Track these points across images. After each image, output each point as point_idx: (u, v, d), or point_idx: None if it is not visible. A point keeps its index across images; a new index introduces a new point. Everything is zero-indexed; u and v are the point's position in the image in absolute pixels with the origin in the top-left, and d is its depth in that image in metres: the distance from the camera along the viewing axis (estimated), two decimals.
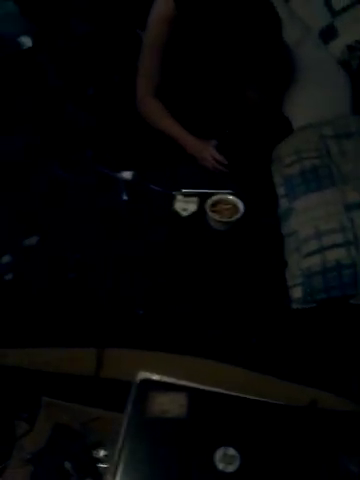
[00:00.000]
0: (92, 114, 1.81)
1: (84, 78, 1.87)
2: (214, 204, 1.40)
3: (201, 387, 1.06)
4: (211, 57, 1.51)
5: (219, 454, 0.93)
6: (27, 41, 1.78)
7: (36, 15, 1.81)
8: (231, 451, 0.93)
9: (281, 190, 1.41)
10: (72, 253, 1.35)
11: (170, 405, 1.01)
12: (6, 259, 1.34)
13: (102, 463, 1.20)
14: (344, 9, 1.71)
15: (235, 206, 1.39)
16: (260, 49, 1.43)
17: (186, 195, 1.44)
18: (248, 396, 1.03)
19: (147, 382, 1.06)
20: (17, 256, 1.35)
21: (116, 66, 1.89)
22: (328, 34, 1.70)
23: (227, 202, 1.40)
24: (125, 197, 1.46)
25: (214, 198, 1.40)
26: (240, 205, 1.38)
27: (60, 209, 1.44)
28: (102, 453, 1.24)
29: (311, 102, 1.60)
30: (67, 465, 1.17)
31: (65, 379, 1.33)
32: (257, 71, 1.51)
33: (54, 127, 1.70)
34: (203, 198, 1.43)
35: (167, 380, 1.08)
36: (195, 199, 1.44)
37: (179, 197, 1.44)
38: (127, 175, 1.53)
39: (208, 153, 1.55)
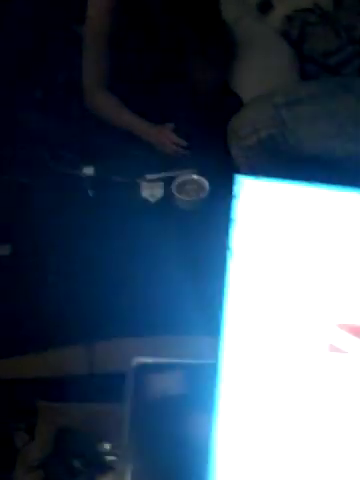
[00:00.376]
0: (43, 116, 1.79)
1: (30, 81, 1.84)
2: (180, 186, 1.41)
3: (196, 362, 1.08)
4: (156, 39, 1.51)
5: None
6: None
7: None
8: None
9: (241, 162, 1.43)
10: (48, 257, 1.34)
11: (168, 379, 1.03)
12: None
13: (109, 455, 1.21)
14: None
15: (200, 185, 1.41)
16: (202, 23, 1.44)
17: (150, 181, 1.45)
18: None
19: (143, 366, 1.08)
20: None
21: (58, 65, 1.87)
22: (265, 6, 1.74)
23: (192, 182, 1.42)
24: (91, 193, 1.46)
25: (179, 179, 1.41)
26: (205, 183, 1.40)
27: (28, 215, 1.43)
28: (107, 446, 1.24)
29: (259, 74, 1.63)
30: (76, 463, 1.18)
31: (58, 381, 1.33)
32: (201, 48, 1.52)
33: (5, 134, 1.68)
34: (168, 182, 1.45)
35: (163, 361, 1.09)
36: (160, 184, 1.45)
37: (144, 184, 1.45)
38: (89, 171, 1.53)
39: (166, 137, 1.56)
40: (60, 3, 1.88)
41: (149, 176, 1.44)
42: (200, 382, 1.03)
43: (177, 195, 1.37)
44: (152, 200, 1.42)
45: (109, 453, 1.22)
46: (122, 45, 1.55)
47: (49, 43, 1.89)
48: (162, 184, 1.45)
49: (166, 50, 1.53)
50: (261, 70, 1.63)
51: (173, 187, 1.39)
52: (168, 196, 1.42)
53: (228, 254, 0.68)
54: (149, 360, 1.09)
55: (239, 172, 1.46)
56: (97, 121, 1.65)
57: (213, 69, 1.63)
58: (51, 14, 1.89)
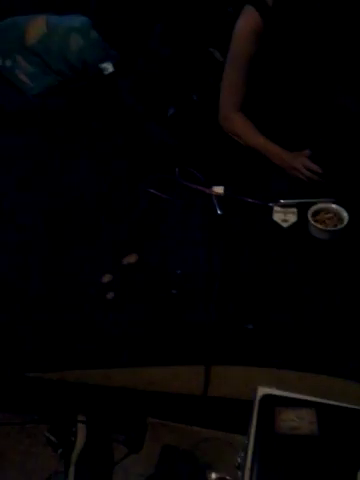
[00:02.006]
0: (175, 133, 1.83)
1: (164, 99, 1.89)
2: (315, 213, 1.36)
3: (328, 402, 1.00)
4: (301, 66, 1.49)
5: None
6: (109, 67, 1.82)
7: (117, 41, 1.86)
8: None
9: None
10: (173, 269, 1.33)
11: (299, 422, 0.96)
12: (107, 278, 1.34)
13: None
14: None
15: (337, 215, 1.34)
16: (354, 53, 1.39)
17: (284, 206, 1.40)
18: None
19: (270, 397, 1.02)
20: (117, 275, 1.34)
21: (193, 85, 1.90)
22: None
23: (329, 211, 1.36)
24: (220, 211, 1.44)
25: (315, 207, 1.35)
26: (344, 213, 1.33)
27: (157, 227, 1.44)
28: (214, 475, 1.19)
29: None
30: None
31: (171, 398, 1.30)
32: (351, 77, 1.47)
33: (140, 149, 1.73)
34: (301, 208, 1.40)
35: (290, 395, 1.02)
36: (294, 209, 1.40)
37: (277, 208, 1.41)
38: (218, 190, 1.52)
39: (299, 163, 1.51)
40: (198, 25, 1.92)
41: (284, 201, 1.40)
42: (336, 426, 0.96)
43: (312, 223, 1.32)
44: (284, 225, 1.37)
45: None
46: (265, 67, 1.54)
47: (185, 62, 1.94)
48: (296, 210, 1.40)
49: (312, 74, 1.49)
50: None
51: (309, 214, 1.34)
52: (302, 222, 1.36)
53: None
54: (277, 392, 1.03)
55: None
56: (229, 141, 1.65)
57: (355, 95, 1.57)
58: (190, 35, 1.94)
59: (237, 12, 1.54)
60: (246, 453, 0.95)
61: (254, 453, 0.94)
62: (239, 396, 1.24)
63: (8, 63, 1.80)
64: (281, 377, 1.18)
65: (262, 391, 1.03)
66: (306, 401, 1.00)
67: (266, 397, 1.02)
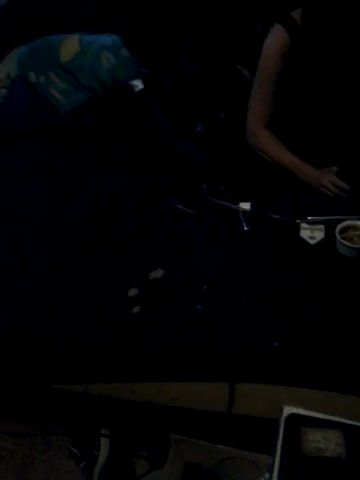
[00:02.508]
0: (202, 150, 1.84)
1: (192, 116, 1.91)
2: (343, 231, 1.34)
3: (356, 424, 0.98)
4: (329, 84, 1.49)
5: None
6: (139, 84, 1.85)
7: (147, 58, 1.89)
8: None
9: None
10: (199, 285, 1.33)
11: (325, 443, 0.94)
12: (133, 292, 1.34)
13: None
14: None
15: None
16: None
17: (312, 223, 1.39)
18: None
19: (296, 417, 1.00)
20: (143, 289, 1.35)
21: (221, 102, 1.92)
22: None
23: (357, 228, 1.34)
24: (246, 228, 1.44)
25: (343, 224, 1.34)
26: None
27: (183, 242, 1.44)
28: None
29: None
30: None
31: (195, 415, 1.29)
32: None
33: (168, 164, 1.74)
34: (329, 225, 1.38)
35: (316, 415, 1.01)
36: (321, 226, 1.39)
37: (304, 225, 1.40)
38: (245, 206, 1.52)
39: (327, 180, 1.50)
40: (227, 42, 1.95)
41: (311, 217, 1.39)
42: None
43: (340, 240, 1.30)
44: (311, 242, 1.36)
45: None
46: (293, 86, 1.54)
47: (213, 79, 1.96)
48: (323, 227, 1.39)
49: (336, 94, 1.49)
50: None
51: (336, 231, 1.33)
52: (329, 240, 1.35)
53: None
54: (303, 412, 1.02)
55: None
56: (256, 158, 1.65)
57: None
58: (218, 52, 1.97)
59: (265, 30, 1.55)
60: (271, 473, 0.94)
61: (280, 473, 0.93)
62: (264, 415, 1.22)
63: (42, 80, 1.85)
64: (307, 396, 1.16)
65: (288, 410, 1.02)
66: (333, 422, 0.99)
67: (292, 416, 1.01)
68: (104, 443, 1.51)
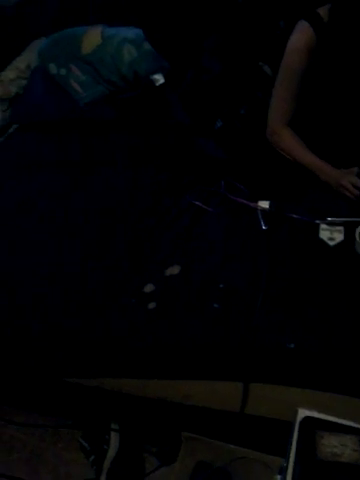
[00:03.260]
0: (221, 146, 1.82)
1: (212, 112, 1.89)
2: None
3: None
4: (354, 83, 1.47)
5: None
6: (160, 78, 1.84)
7: (169, 52, 1.87)
8: None
9: None
10: (216, 283, 1.32)
11: (342, 448, 0.93)
12: (149, 288, 1.34)
13: None
14: None
15: None
16: None
17: (331, 224, 1.38)
18: None
19: (311, 420, 0.99)
20: (159, 285, 1.34)
21: (241, 99, 1.90)
22: None
23: None
24: (264, 227, 1.43)
25: None
26: None
27: (200, 240, 1.43)
28: None
29: None
30: None
31: (207, 414, 1.28)
32: None
33: (186, 161, 1.73)
34: (348, 227, 1.37)
35: (332, 419, 0.99)
36: (341, 228, 1.37)
37: (323, 226, 1.38)
38: (264, 204, 1.50)
39: (347, 181, 1.48)
40: (250, 39, 1.92)
41: (331, 218, 1.38)
42: None
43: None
44: (331, 243, 1.34)
45: None
46: (316, 84, 1.52)
47: (235, 76, 1.94)
48: (342, 228, 1.37)
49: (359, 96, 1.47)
50: None
51: (356, 233, 1.31)
52: (348, 241, 1.33)
53: None
54: (318, 415, 1.00)
55: None
56: (276, 156, 1.63)
57: None
58: (241, 49, 1.95)
59: (289, 26, 1.53)
60: (285, 476, 0.93)
61: (294, 477, 0.91)
62: (277, 416, 1.21)
63: (63, 72, 1.84)
64: (322, 400, 1.15)
65: (303, 413, 1.01)
66: (349, 427, 0.97)
67: (307, 419, 0.99)
68: (114, 438, 1.51)
